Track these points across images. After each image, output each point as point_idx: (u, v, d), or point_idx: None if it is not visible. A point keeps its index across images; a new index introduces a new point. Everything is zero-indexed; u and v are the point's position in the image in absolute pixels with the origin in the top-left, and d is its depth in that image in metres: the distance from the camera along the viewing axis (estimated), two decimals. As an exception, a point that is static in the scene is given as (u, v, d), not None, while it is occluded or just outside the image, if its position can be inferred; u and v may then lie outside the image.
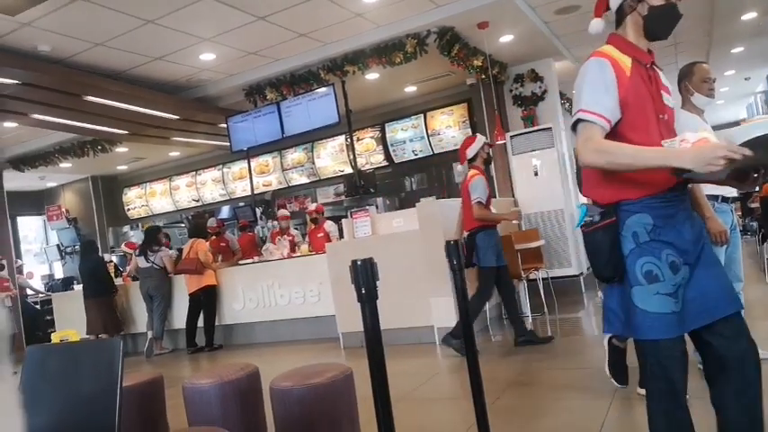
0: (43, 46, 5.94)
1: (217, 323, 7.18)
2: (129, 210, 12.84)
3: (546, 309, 6.26)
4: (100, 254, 8.57)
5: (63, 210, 11.66)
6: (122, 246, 9.78)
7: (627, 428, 2.86)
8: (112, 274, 8.19)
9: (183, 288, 7.37)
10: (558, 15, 6.98)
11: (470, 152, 5.06)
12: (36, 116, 7.33)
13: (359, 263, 1.79)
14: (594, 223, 1.80)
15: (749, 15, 7.88)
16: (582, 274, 7.60)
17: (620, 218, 1.76)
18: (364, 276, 1.80)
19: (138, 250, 7.69)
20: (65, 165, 9.95)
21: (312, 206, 8.32)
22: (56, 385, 1.60)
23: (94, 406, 1.42)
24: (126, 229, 12.50)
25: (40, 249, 12.54)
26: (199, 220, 8.80)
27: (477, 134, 5.21)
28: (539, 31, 7.15)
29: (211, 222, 8.41)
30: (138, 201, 12.76)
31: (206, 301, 7.12)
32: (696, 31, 8.46)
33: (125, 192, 12.89)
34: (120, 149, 9.83)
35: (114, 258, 9.70)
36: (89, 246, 8.22)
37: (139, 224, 12.17)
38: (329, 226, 7.67)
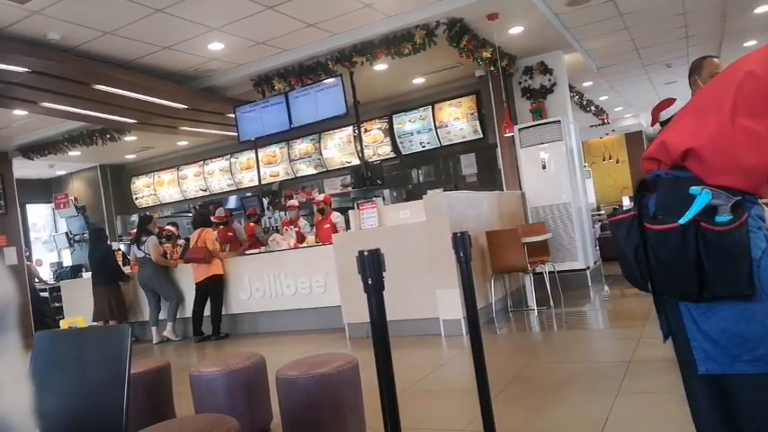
0: (53, 34, 5.95)
1: (223, 312, 7.22)
2: (137, 198, 12.90)
3: (552, 302, 6.26)
4: (108, 242, 8.62)
5: (71, 198, 11.73)
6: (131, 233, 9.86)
7: (632, 423, 2.86)
8: (120, 263, 8.26)
9: (187, 277, 7.42)
10: (569, 7, 6.92)
11: (665, 114, 4.89)
12: (45, 104, 7.36)
13: (366, 254, 1.79)
14: (732, 218, 1.28)
15: (762, 9, 7.78)
16: (588, 268, 7.59)
17: (745, 209, 1.32)
18: (371, 267, 1.80)
19: (131, 240, 7.76)
20: (74, 153, 10.00)
21: (320, 197, 8.32)
22: (64, 370, 1.62)
23: (103, 391, 1.43)
24: (134, 217, 12.57)
25: (48, 237, 12.63)
26: (203, 210, 8.83)
27: (675, 98, 5.03)
28: (549, 23, 7.09)
29: (219, 212, 8.45)
30: (146, 190, 12.82)
31: (213, 290, 7.16)
32: (708, 24, 8.37)
33: (133, 181, 12.95)
34: (129, 138, 9.85)
35: (122, 247, 9.76)
36: (98, 234, 8.28)
37: (147, 213, 12.24)
38: (336, 217, 7.68)
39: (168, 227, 8.37)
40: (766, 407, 1.33)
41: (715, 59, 3.28)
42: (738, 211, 1.29)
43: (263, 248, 7.68)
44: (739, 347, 1.33)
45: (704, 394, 1.44)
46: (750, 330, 1.32)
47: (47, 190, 12.86)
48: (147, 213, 9.13)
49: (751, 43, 9.35)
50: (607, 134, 16.71)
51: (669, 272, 1.38)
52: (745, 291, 1.29)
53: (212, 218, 7.92)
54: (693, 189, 1.31)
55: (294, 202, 8.50)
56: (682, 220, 1.31)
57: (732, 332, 1.34)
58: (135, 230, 8.33)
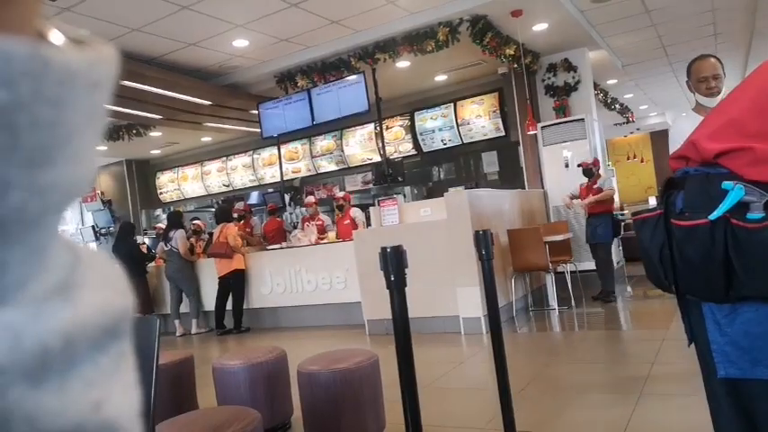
0: (81, 31, 6.06)
1: (245, 306, 7.30)
2: (161, 193, 13.10)
3: (573, 302, 6.21)
4: (135, 236, 8.77)
5: (98, 192, 11.94)
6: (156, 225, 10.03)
7: (654, 427, 2.83)
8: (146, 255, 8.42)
9: (211, 271, 7.51)
10: (595, 4, 6.84)
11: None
12: (74, 100, 7.51)
13: (388, 250, 1.80)
14: (765, 215, 1.22)
15: (795, 5, 7.60)
16: (611, 268, 7.50)
17: None
18: (393, 263, 1.81)
19: (160, 235, 7.89)
20: (100, 148, 10.19)
21: (340, 194, 8.35)
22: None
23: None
24: (158, 212, 12.76)
25: (75, 230, 12.88)
26: (225, 206, 8.92)
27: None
28: (574, 19, 7.01)
29: (239, 205, 8.53)
30: (170, 185, 13.00)
31: (234, 284, 7.24)
32: (738, 22, 8.20)
33: (158, 176, 13.14)
34: (154, 134, 10.01)
35: (147, 240, 9.93)
36: (127, 228, 8.42)
37: (171, 207, 12.41)
38: (355, 212, 7.70)
39: (197, 221, 8.49)
40: None
41: (700, 62, 3.09)
42: None
43: (283, 244, 7.75)
44: (762, 351, 1.29)
45: (726, 399, 1.40)
46: None
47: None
48: (178, 210, 9.26)
49: (782, 41, 9.14)
50: (632, 133, 16.48)
51: (695, 270, 1.33)
52: None
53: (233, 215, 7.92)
54: (726, 184, 1.26)
55: (311, 198, 8.54)
56: (712, 216, 1.26)
57: (755, 335, 1.29)
58: (159, 225, 8.46)
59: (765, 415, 1.33)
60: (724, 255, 1.26)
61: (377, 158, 10.03)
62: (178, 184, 12.89)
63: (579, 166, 6.75)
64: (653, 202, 13.41)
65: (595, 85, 9.30)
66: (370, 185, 10.40)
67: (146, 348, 1.43)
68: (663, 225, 1.40)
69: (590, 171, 6.57)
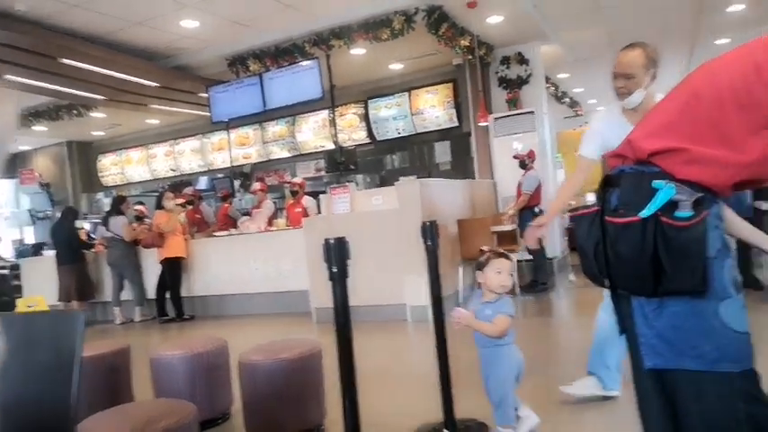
0: (19, 5, 5.74)
1: (189, 294, 7.12)
2: (103, 176, 12.59)
3: (518, 290, 6.34)
4: (76, 222, 8.39)
5: (36, 174, 11.40)
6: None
7: (588, 409, 2.91)
8: (85, 241, 8.07)
9: (153, 258, 7.28)
10: (548, -2, 6.93)
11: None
12: (10, 77, 7.11)
13: (332, 241, 1.78)
14: (693, 214, 1.28)
15: (736, 7, 7.89)
16: (555, 258, 7.69)
17: (706, 206, 1.32)
18: (336, 255, 1.79)
19: (101, 220, 7.60)
20: (39, 128, 9.70)
21: (297, 179, 8.21)
22: (13, 356, 1.56)
23: (52, 378, 1.39)
24: (100, 195, 12.30)
25: (10, 214, 12.26)
26: (161, 192, 8.63)
27: None
28: (527, 13, 7.09)
29: (187, 189, 8.28)
30: (113, 168, 12.52)
31: (168, 272, 7.03)
32: (680, 22, 8.47)
33: (99, 158, 12.63)
34: (97, 114, 9.60)
35: (87, 225, 9.54)
36: (70, 212, 8.05)
37: (114, 191, 11.96)
38: (307, 201, 7.60)
39: (139, 206, 8.19)
40: (703, 403, 1.36)
41: (617, 57, 2.58)
42: (699, 207, 1.29)
43: (232, 230, 7.59)
44: (686, 344, 1.35)
45: (651, 388, 1.47)
46: (698, 327, 1.34)
47: (9, 165, 12.44)
48: (120, 194, 8.91)
49: (724, 41, 9.50)
50: (581, 126, 16.87)
51: (626, 266, 1.37)
52: (699, 287, 1.31)
53: (164, 202, 7.33)
54: (657, 183, 1.31)
55: (256, 185, 8.36)
56: (643, 213, 1.30)
57: (681, 328, 1.35)
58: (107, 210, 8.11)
59: (684, 402, 1.40)
60: (653, 251, 1.30)
61: (330, 146, 9.92)
62: (122, 168, 12.43)
63: (515, 157, 6.92)
64: (590, 198, 13.76)
65: (547, 79, 9.46)
66: (323, 173, 10.30)
67: (68, 343, 1.36)
68: (599, 222, 1.43)
69: (523, 163, 6.76)
